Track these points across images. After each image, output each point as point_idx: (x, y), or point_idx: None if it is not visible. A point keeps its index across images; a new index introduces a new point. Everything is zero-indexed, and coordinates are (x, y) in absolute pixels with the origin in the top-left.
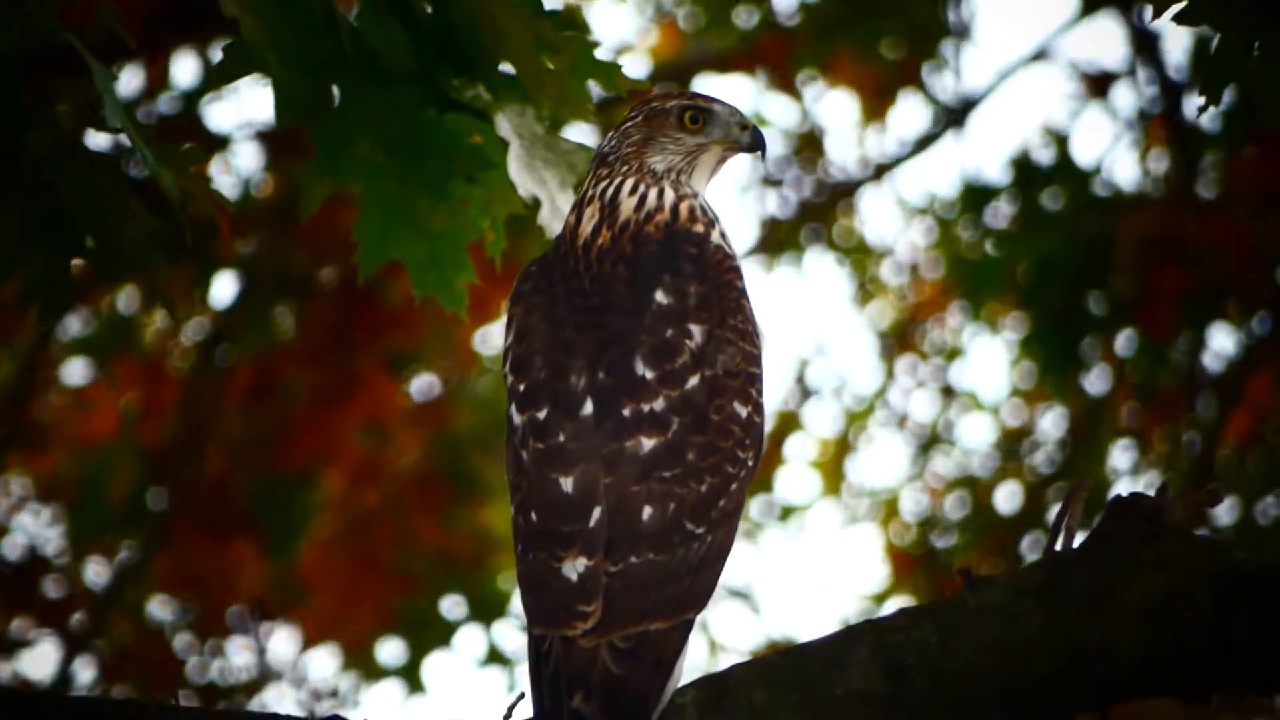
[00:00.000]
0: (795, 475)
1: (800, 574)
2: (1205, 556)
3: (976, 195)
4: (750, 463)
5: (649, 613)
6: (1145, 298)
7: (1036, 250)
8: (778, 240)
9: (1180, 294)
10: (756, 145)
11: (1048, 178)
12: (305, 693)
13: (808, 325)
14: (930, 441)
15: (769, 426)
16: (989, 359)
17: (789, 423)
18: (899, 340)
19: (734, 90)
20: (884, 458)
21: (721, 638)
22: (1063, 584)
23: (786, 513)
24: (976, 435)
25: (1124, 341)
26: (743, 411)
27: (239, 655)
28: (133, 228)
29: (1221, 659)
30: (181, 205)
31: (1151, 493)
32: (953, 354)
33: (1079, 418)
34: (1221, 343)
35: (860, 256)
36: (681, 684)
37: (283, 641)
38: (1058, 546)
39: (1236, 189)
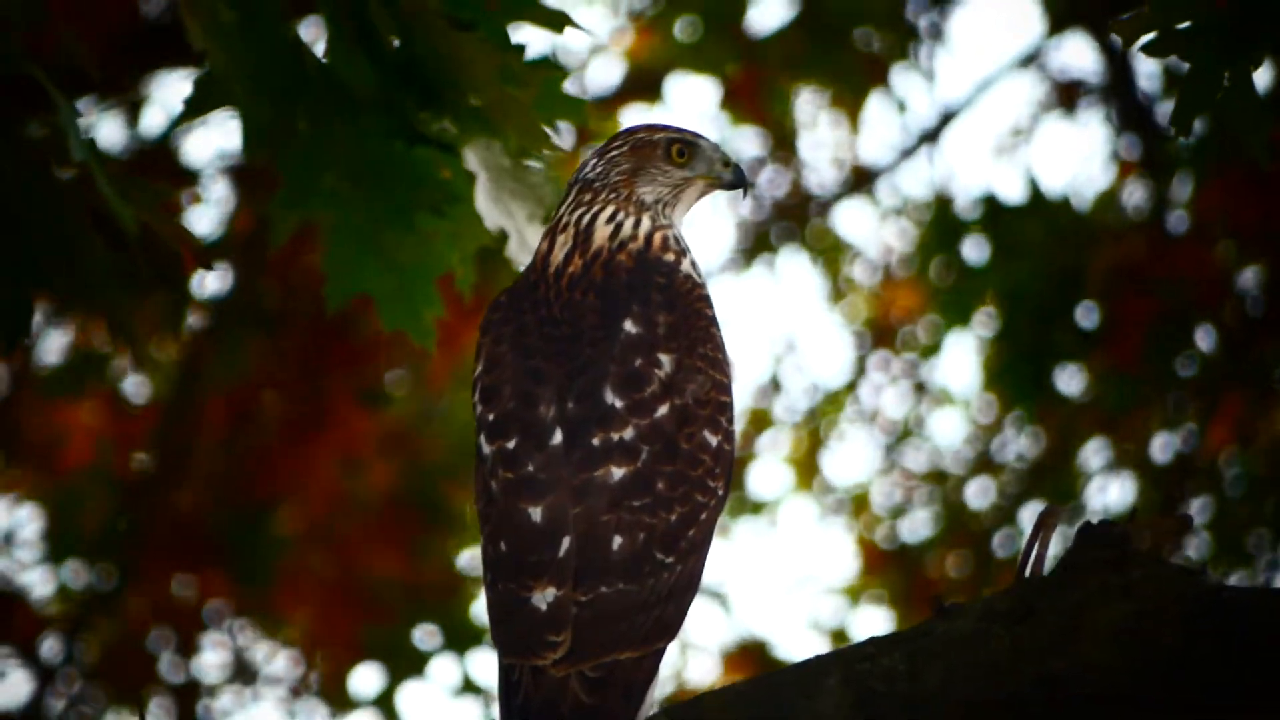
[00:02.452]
0: (767, 470)
1: (772, 570)
2: (1174, 583)
3: (947, 228)
4: (720, 491)
5: (619, 642)
6: (1114, 327)
7: (1006, 281)
8: (751, 242)
9: (1149, 323)
10: (739, 183)
11: (1017, 209)
12: (284, 691)
13: (780, 322)
14: (902, 436)
15: (740, 424)
16: (961, 355)
17: (761, 418)
18: (872, 336)
19: (706, 95)
20: (856, 453)
21: (692, 637)
22: (1032, 611)
23: (758, 508)
24: (948, 431)
25: (1093, 374)
26: (713, 440)
27: (214, 654)
28: (95, 260)
29: (1191, 684)
30: (139, 240)
31: (1120, 520)
32: (926, 350)
33: (1053, 416)
34: (1189, 372)
35: (833, 255)
36: (652, 712)
37: (261, 646)
38: (1027, 573)
39: (1206, 219)
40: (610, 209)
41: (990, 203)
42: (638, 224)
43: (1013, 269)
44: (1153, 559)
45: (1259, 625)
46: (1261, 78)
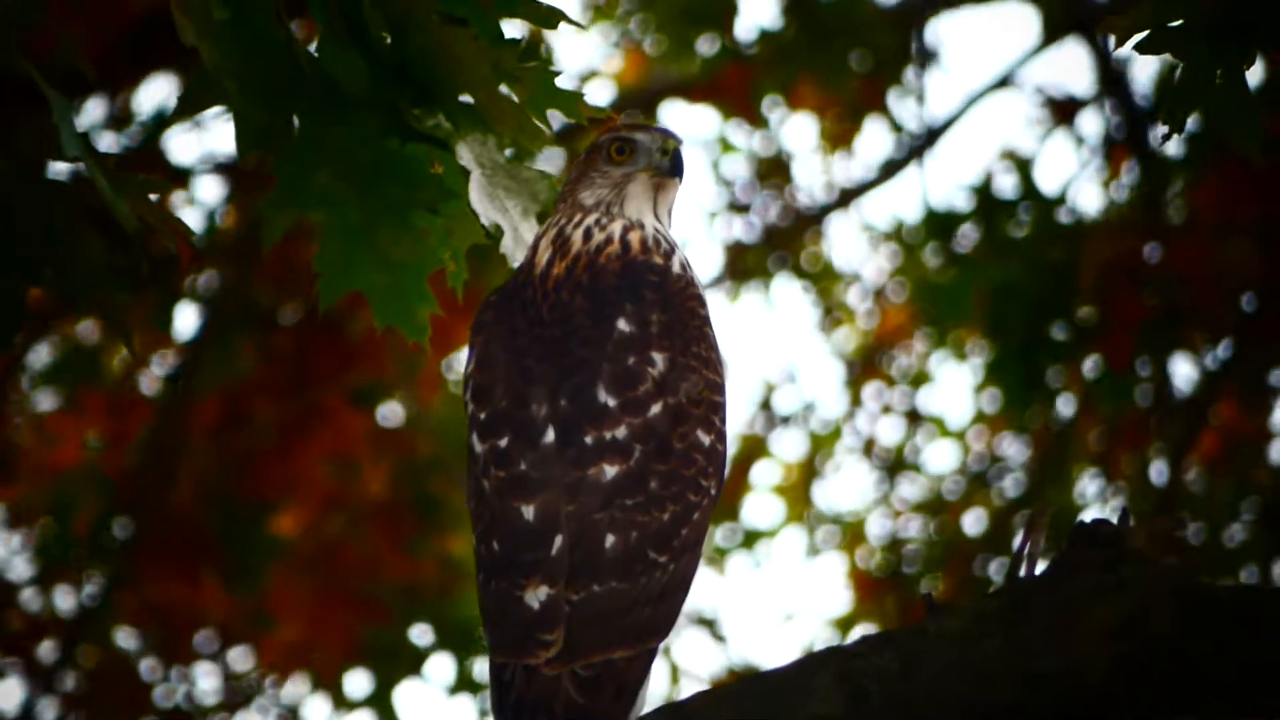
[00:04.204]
0: (760, 501)
1: (765, 600)
2: (1166, 582)
3: (940, 222)
4: (713, 491)
5: (611, 641)
6: (1107, 325)
7: (999, 277)
8: (744, 266)
9: (1142, 321)
10: (674, 171)
11: (1011, 205)
12: (274, 717)
13: (774, 350)
14: (896, 466)
15: (733, 451)
16: (955, 384)
17: (755, 448)
18: (865, 365)
19: (698, 117)
20: (850, 483)
21: (684, 664)
22: (1024, 610)
23: (752, 538)
24: (942, 460)
25: (1088, 369)
26: (705, 439)
27: (206, 680)
28: (89, 257)
29: (1184, 683)
30: (138, 235)
31: (1113, 519)
32: (919, 379)
33: (1044, 442)
34: (1184, 370)
35: (826, 282)
36: (644, 711)
37: (250, 666)
38: (1019, 573)
39: (1199, 216)
40: (575, 216)
41: (983, 196)
42: (604, 226)
43: (1004, 264)
44: (1145, 558)
45: (1253, 624)
46: (1254, 75)
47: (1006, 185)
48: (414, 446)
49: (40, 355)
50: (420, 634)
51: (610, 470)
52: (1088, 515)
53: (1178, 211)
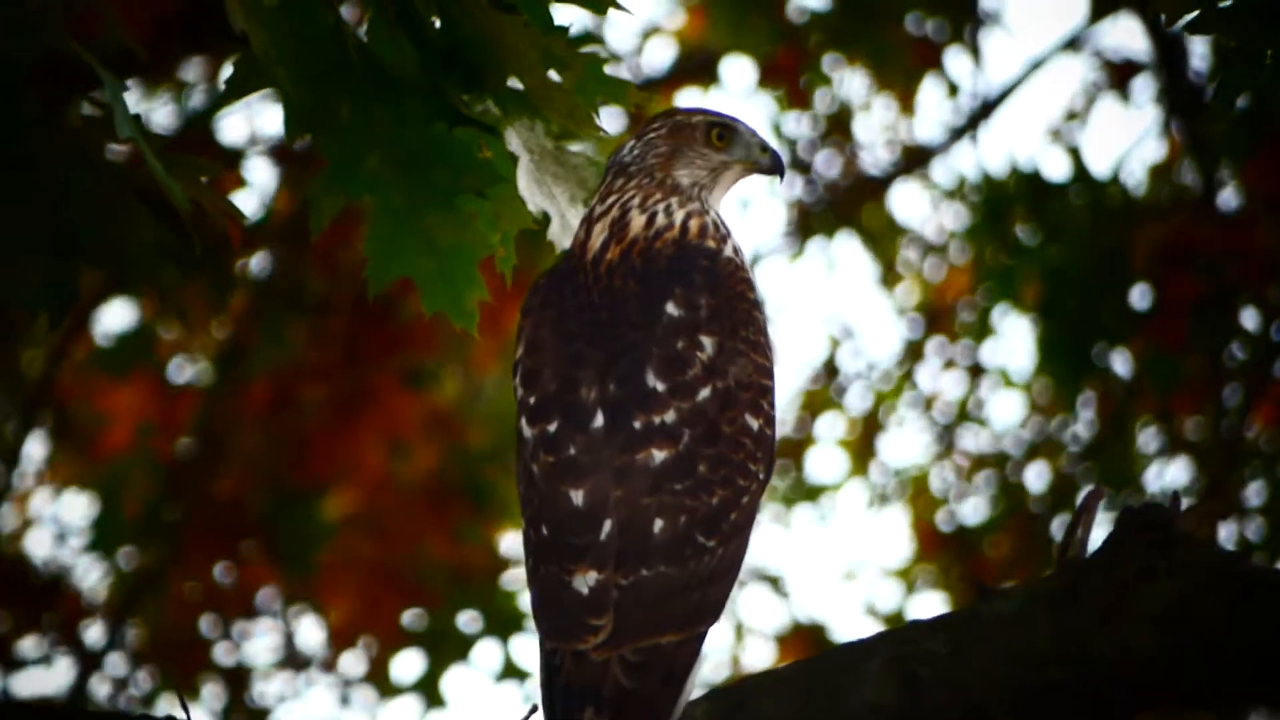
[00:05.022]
0: (824, 455)
1: (827, 554)
2: (1218, 565)
3: (993, 205)
4: (761, 476)
5: (660, 626)
6: (1160, 307)
7: (1052, 260)
8: (806, 225)
9: (1194, 303)
10: (776, 169)
11: (1062, 188)
12: (336, 678)
13: (836, 306)
14: (959, 419)
15: (795, 410)
16: (1017, 337)
17: (818, 401)
18: (927, 320)
19: (757, 78)
20: (912, 438)
21: (749, 620)
22: (1075, 593)
23: (814, 493)
24: (1006, 413)
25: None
26: (754, 424)
27: (265, 638)
28: (141, 236)
29: (1236, 667)
30: (190, 216)
31: (1163, 503)
32: (981, 333)
33: (1107, 402)
34: (1236, 352)
35: (888, 239)
36: (694, 695)
37: (309, 630)
38: (1070, 555)
39: (1253, 197)
40: (642, 195)
41: (1035, 181)
42: (670, 211)
43: (1058, 248)
44: (1196, 541)
45: None
46: None
47: (1058, 167)
48: (465, 431)
49: (96, 335)
50: (469, 621)
51: (659, 455)
52: (1151, 473)
53: (1230, 192)
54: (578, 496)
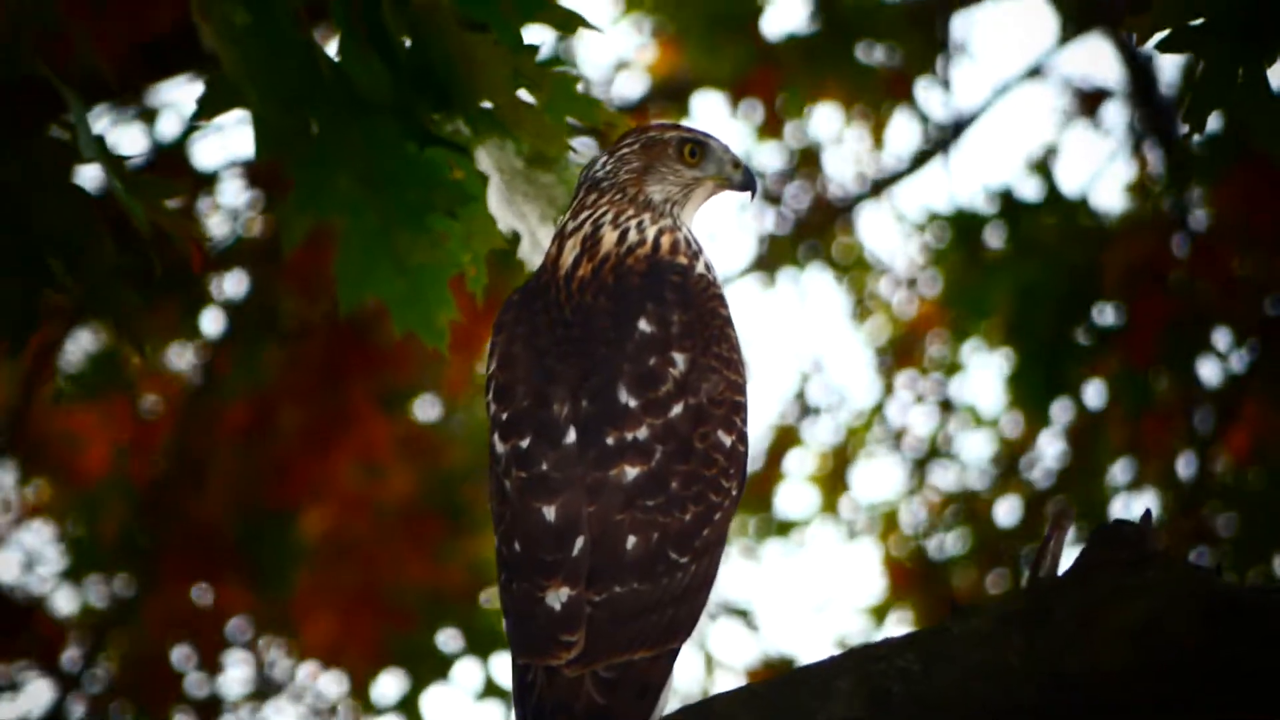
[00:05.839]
0: (794, 490)
1: (798, 590)
2: (1189, 582)
3: (964, 224)
4: (734, 492)
5: (633, 642)
6: (1131, 327)
7: (1023, 279)
8: (775, 256)
9: (1166, 323)
10: (748, 185)
11: (1034, 208)
12: (306, 708)
13: (806, 340)
14: (929, 455)
15: (765, 441)
16: (987, 373)
17: (787, 437)
18: (897, 355)
19: (729, 108)
20: (882, 472)
21: (719, 655)
22: (1047, 611)
23: (785, 528)
24: (975, 449)
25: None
26: (727, 440)
27: (238, 669)
28: (102, 260)
29: (1207, 686)
30: (151, 238)
31: (1135, 520)
32: (951, 368)
33: (1077, 432)
34: (1208, 372)
35: (858, 272)
36: (667, 711)
37: (282, 658)
38: (1042, 573)
39: (1224, 216)
40: (615, 211)
41: (1007, 200)
42: (643, 227)
43: (1028, 267)
44: (1168, 559)
45: (1275, 625)
46: (1276, 73)
47: (1030, 187)
48: (441, 451)
49: (68, 359)
50: (448, 639)
51: (631, 471)
52: (1119, 504)
53: (1202, 212)
54: (550, 512)
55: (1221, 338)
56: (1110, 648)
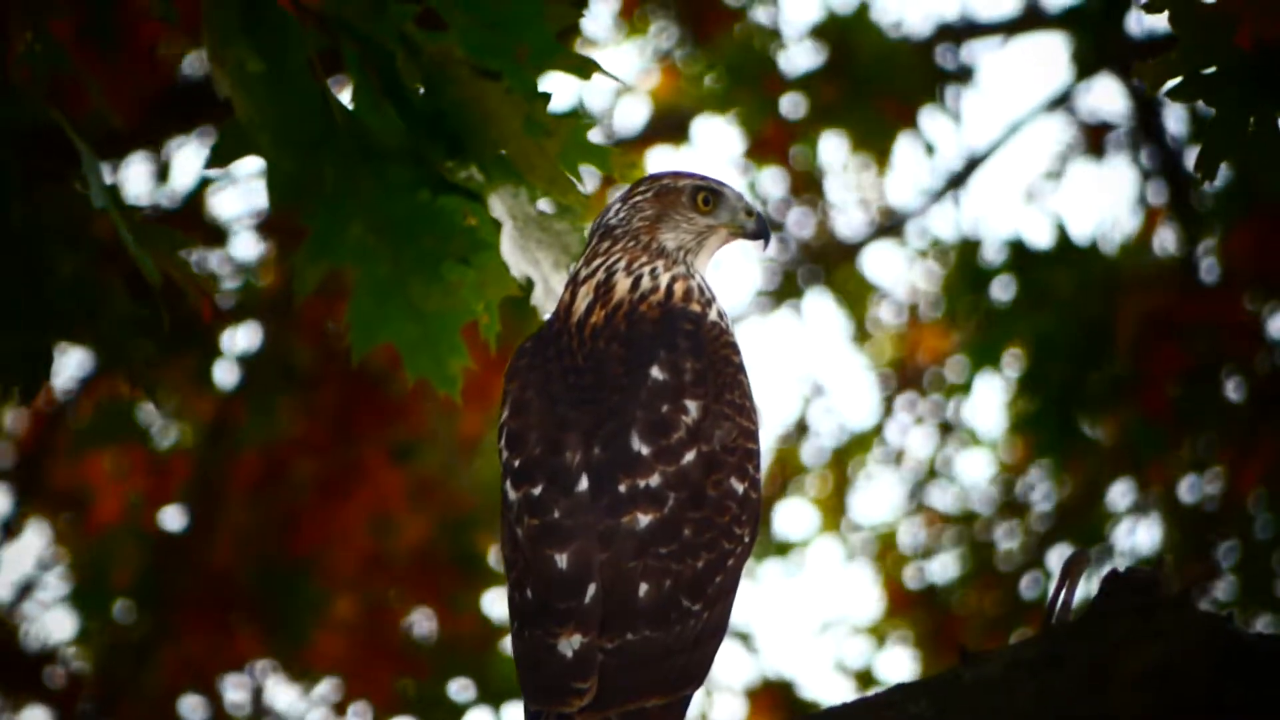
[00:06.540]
0: (794, 511)
1: (798, 611)
2: (1202, 629)
3: (974, 275)
4: (746, 539)
5: (645, 689)
6: (1144, 378)
7: (1036, 330)
8: (779, 284)
9: (1178, 372)
10: (761, 234)
11: (1046, 257)
12: None
13: (807, 364)
14: (928, 477)
15: (766, 463)
16: (988, 395)
17: (788, 460)
18: (898, 377)
19: (732, 137)
20: (882, 494)
21: (718, 676)
22: (1059, 658)
23: (784, 549)
24: (975, 471)
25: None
26: (739, 487)
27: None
28: (115, 311)
29: None
30: (162, 290)
31: (1148, 566)
32: (952, 390)
33: (1080, 461)
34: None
35: (860, 297)
36: None
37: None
38: (1054, 620)
39: (1236, 266)
40: (628, 258)
41: (1017, 248)
42: (656, 274)
43: (1040, 316)
44: (1181, 605)
45: None
46: None
47: (1040, 233)
48: (453, 500)
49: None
50: (460, 688)
51: (644, 518)
52: (1122, 543)
53: (1213, 262)
54: (562, 560)
55: (1234, 387)
56: (1123, 694)
